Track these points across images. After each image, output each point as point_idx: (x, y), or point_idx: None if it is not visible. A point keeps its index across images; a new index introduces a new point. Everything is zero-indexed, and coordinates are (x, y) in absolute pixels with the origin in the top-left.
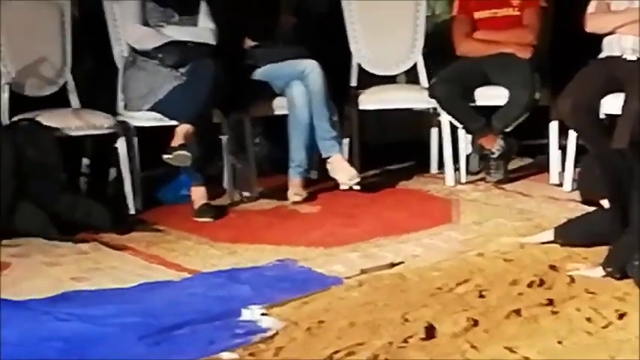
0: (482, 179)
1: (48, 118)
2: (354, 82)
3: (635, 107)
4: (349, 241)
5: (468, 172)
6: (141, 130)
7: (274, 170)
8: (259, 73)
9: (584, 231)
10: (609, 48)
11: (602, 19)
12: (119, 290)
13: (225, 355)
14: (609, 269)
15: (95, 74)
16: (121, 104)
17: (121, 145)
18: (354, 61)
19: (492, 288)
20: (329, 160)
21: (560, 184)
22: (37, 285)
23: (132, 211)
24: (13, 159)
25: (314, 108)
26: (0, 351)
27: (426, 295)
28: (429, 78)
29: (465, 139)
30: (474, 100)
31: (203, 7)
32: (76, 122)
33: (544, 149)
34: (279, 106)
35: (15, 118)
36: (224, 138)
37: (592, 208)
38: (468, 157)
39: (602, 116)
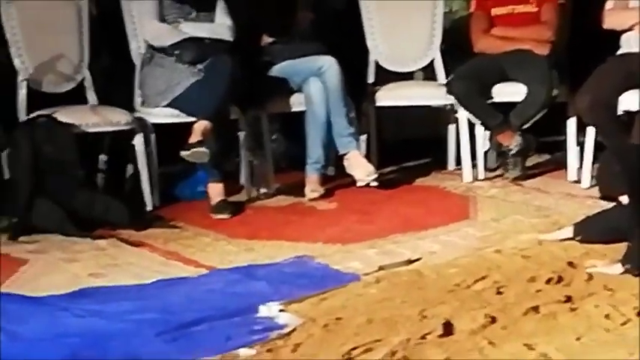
0: (500, 176)
1: (65, 115)
2: (371, 79)
3: None
4: (366, 237)
5: (485, 169)
6: (158, 127)
7: (291, 167)
8: (276, 70)
9: (603, 227)
10: (627, 44)
11: (620, 16)
12: (137, 286)
13: (242, 351)
14: (628, 266)
15: (112, 71)
16: (138, 101)
17: (138, 141)
18: (372, 58)
19: (510, 285)
20: (346, 157)
21: (578, 181)
22: (54, 281)
23: (149, 208)
24: (30, 155)
25: (331, 104)
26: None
27: (444, 291)
28: (447, 74)
29: (482, 136)
30: (491, 97)
31: (220, 4)
32: (94, 119)
33: (562, 146)
34: (297, 103)
35: (32, 115)
36: (241, 134)
37: (611, 205)
38: (485, 153)
39: (620, 112)
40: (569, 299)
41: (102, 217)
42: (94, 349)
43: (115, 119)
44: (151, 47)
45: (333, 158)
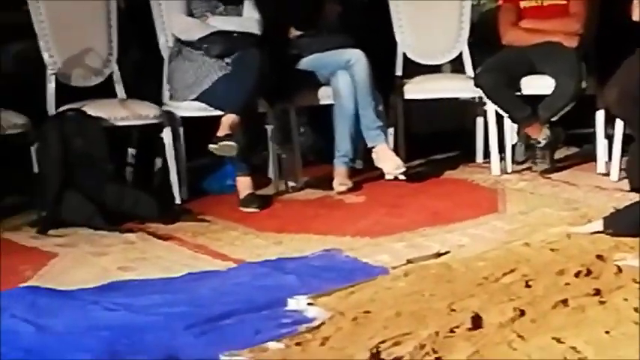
0: (529, 169)
1: (94, 109)
2: (399, 72)
3: None
4: (395, 230)
5: (513, 162)
6: (186, 120)
7: (319, 160)
8: (304, 63)
9: (632, 220)
10: None
11: None
12: (165, 280)
13: (271, 344)
14: None
15: (141, 64)
16: (166, 94)
17: (166, 135)
18: (400, 51)
19: (539, 278)
20: (374, 150)
21: (607, 174)
22: (83, 275)
23: (178, 201)
24: (59, 149)
25: (359, 97)
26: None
27: (473, 285)
28: (475, 67)
29: (510, 129)
30: (519, 90)
31: None
32: (122, 112)
33: (590, 138)
34: (325, 96)
35: (61, 109)
36: (269, 128)
37: None
38: (513, 146)
39: None
40: (598, 292)
41: (131, 210)
42: (124, 343)
43: (143, 113)
44: (179, 41)
45: (361, 151)
